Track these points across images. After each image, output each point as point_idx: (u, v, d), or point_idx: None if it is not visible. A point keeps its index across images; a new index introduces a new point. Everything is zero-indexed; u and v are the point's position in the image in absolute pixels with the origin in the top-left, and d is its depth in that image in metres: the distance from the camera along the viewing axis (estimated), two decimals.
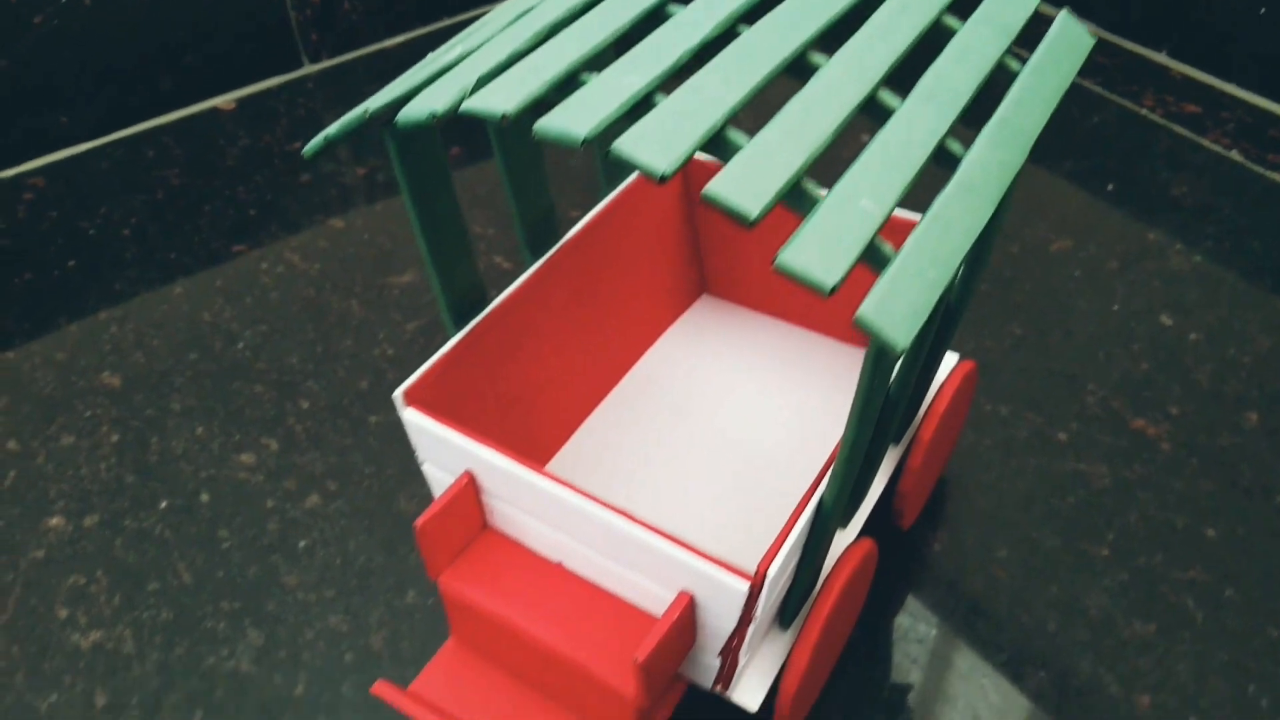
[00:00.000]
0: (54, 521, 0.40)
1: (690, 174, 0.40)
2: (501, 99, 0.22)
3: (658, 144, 0.21)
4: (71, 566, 0.39)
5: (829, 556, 0.32)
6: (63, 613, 0.37)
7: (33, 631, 0.37)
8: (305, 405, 0.44)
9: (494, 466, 0.28)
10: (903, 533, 0.38)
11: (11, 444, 0.43)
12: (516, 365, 0.34)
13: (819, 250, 0.20)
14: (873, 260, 0.21)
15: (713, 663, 0.28)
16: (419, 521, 0.28)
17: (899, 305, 0.20)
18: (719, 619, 0.27)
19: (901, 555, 0.38)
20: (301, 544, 0.39)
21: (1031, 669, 0.34)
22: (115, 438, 0.43)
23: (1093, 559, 0.37)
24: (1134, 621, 0.35)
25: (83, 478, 0.42)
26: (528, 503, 0.29)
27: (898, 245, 0.32)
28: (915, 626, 0.36)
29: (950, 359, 0.37)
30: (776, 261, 0.20)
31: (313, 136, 0.58)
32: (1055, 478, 0.40)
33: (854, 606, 0.33)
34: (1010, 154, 0.23)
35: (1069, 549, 0.38)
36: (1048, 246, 0.50)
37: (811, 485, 0.27)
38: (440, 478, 0.31)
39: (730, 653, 0.28)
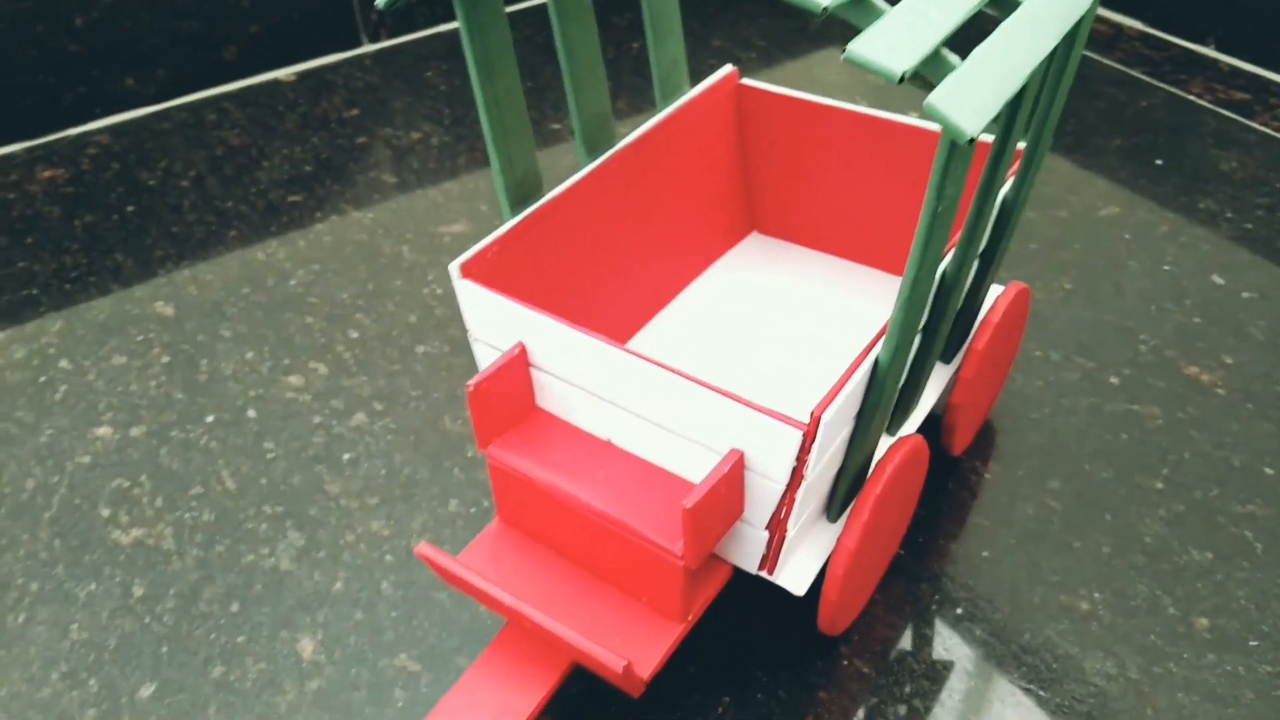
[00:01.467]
0: (101, 431, 0.40)
1: (744, 108, 0.40)
2: None
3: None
4: (116, 472, 0.39)
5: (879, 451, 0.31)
6: (105, 512, 0.37)
7: (75, 527, 0.37)
8: (354, 335, 0.44)
9: (546, 331, 0.28)
10: (954, 460, 0.38)
11: (64, 362, 0.44)
12: (570, 262, 0.34)
13: (888, 42, 0.20)
14: (935, 68, 0.21)
15: (760, 537, 0.28)
16: (471, 384, 0.28)
17: (968, 97, 0.20)
18: (769, 479, 0.26)
19: (953, 482, 0.37)
20: (346, 456, 0.39)
21: (1086, 589, 0.34)
22: (166, 359, 0.43)
23: (1147, 491, 0.37)
24: (1190, 549, 0.35)
25: (132, 393, 0.42)
26: (578, 369, 0.29)
27: None
28: (964, 548, 0.35)
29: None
30: (846, 53, 0.20)
31: (369, 109, 0.60)
32: (1108, 416, 0.39)
33: (904, 508, 0.32)
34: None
35: (1123, 481, 0.37)
36: (1096, 211, 0.49)
37: (871, 341, 0.27)
38: (492, 355, 0.31)
39: (778, 525, 0.27)
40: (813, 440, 0.25)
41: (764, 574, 0.29)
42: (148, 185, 0.54)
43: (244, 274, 0.48)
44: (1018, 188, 0.31)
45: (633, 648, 0.28)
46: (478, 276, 0.30)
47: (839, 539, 0.29)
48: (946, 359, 0.35)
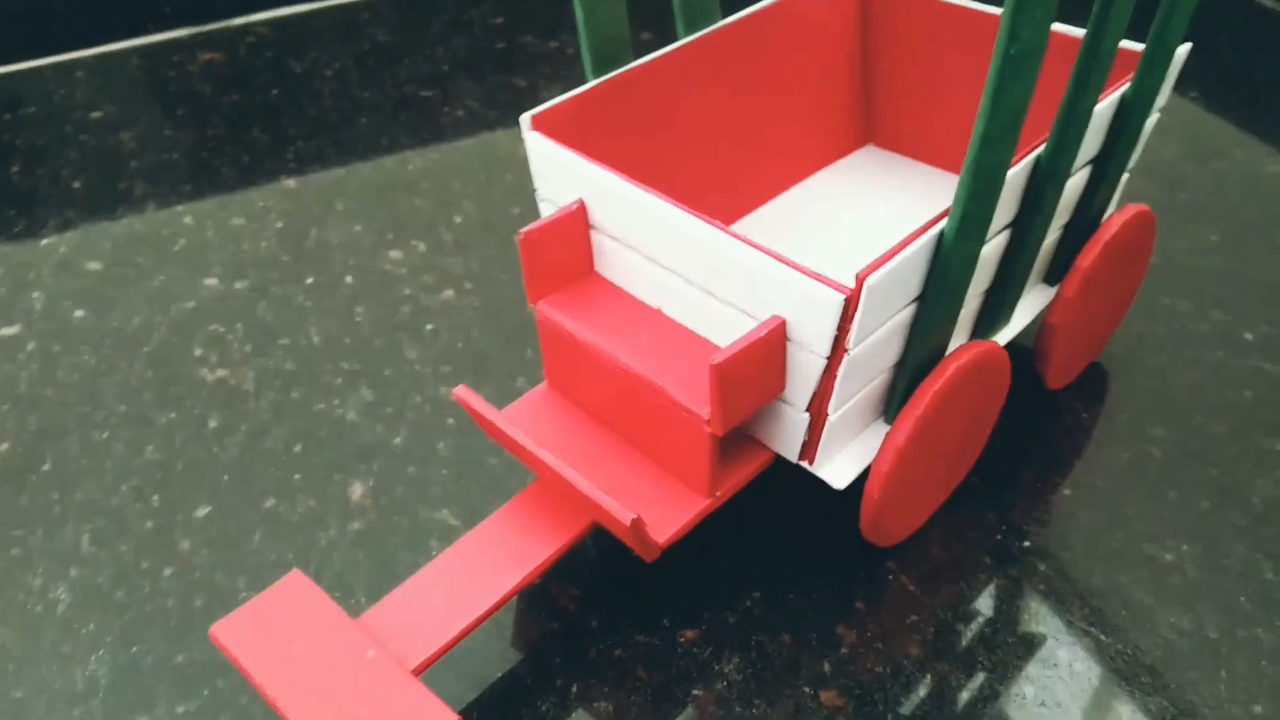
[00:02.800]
0: (209, 281, 0.42)
1: (870, 6, 0.38)
2: None
3: None
4: (215, 318, 0.40)
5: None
6: (198, 352, 0.39)
7: (168, 362, 0.38)
8: (458, 220, 0.45)
9: (603, 185, 0.28)
10: (1049, 395, 0.35)
11: (188, 219, 0.46)
12: (653, 138, 0.33)
13: None
14: None
15: (800, 420, 0.26)
16: (522, 231, 0.28)
17: None
18: (810, 351, 0.25)
19: (1045, 416, 0.34)
20: (429, 327, 0.39)
21: (1174, 541, 0.30)
22: (279, 225, 0.45)
23: (1265, 453, 0.33)
24: None
25: (243, 251, 0.44)
26: (630, 227, 0.28)
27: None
28: (1044, 483, 0.32)
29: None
30: None
31: (514, 17, 0.60)
32: (1233, 372, 0.35)
33: (976, 423, 0.30)
34: None
35: (1238, 438, 0.33)
36: (1262, 168, 0.45)
37: (939, 215, 0.25)
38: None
39: (820, 408, 0.26)
40: (855, 308, 0.23)
41: (805, 464, 0.28)
42: (294, 72, 0.56)
43: (366, 156, 0.49)
44: (1137, 88, 0.28)
45: (654, 514, 0.27)
46: (549, 132, 0.30)
47: (889, 434, 0.27)
48: (1051, 280, 0.33)
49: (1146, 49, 0.28)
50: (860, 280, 0.23)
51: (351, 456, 0.34)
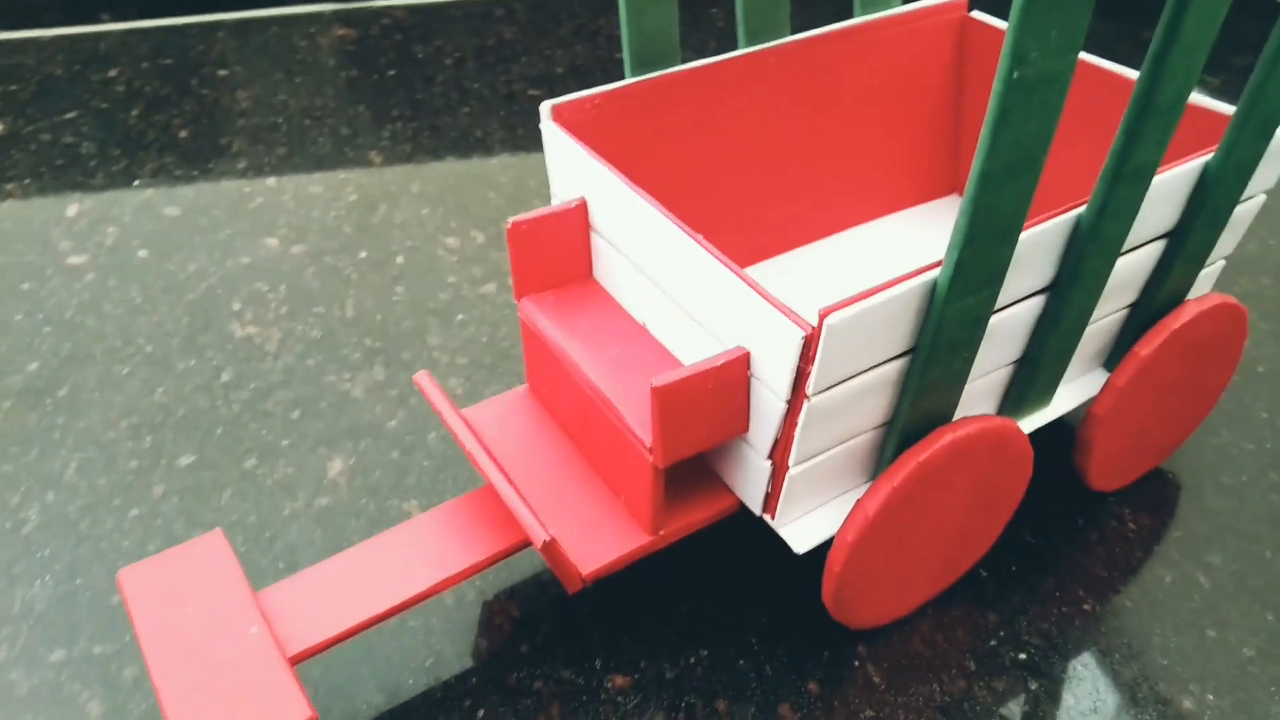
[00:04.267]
0: (270, 241, 0.42)
1: (968, 46, 0.35)
2: None
3: None
4: (263, 277, 0.40)
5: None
6: (236, 306, 0.39)
7: (205, 312, 0.39)
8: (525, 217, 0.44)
9: (603, 183, 0.26)
10: (1096, 496, 0.31)
11: (270, 180, 0.46)
12: (689, 154, 0.31)
13: None
14: None
15: (762, 467, 0.24)
16: (511, 220, 0.26)
17: None
18: (771, 390, 0.22)
19: (1084, 519, 0.30)
20: (459, 317, 0.38)
21: (1199, 686, 0.26)
22: (353, 198, 0.45)
23: None
24: None
25: (311, 219, 0.44)
26: (622, 231, 0.26)
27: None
28: (1064, 591, 0.28)
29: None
30: None
31: None
32: None
33: (982, 508, 0.26)
34: None
35: None
36: None
37: (937, 262, 0.22)
38: None
39: (781, 454, 0.23)
40: (816, 347, 0.21)
41: (767, 519, 0.25)
42: (415, 57, 0.56)
43: (456, 145, 0.49)
44: (1225, 159, 0.24)
45: (587, 542, 0.25)
46: (570, 126, 0.28)
47: (859, 500, 0.24)
48: (1109, 365, 0.29)
49: (1237, 114, 0.24)
50: (823, 317, 0.20)
51: (342, 432, 0.34)
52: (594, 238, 0.28)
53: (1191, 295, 0.28)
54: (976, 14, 0.35)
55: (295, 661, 0.23)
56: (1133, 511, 0.30)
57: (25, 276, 0.41)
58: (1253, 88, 0.23)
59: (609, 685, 0.26)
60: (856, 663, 0.27)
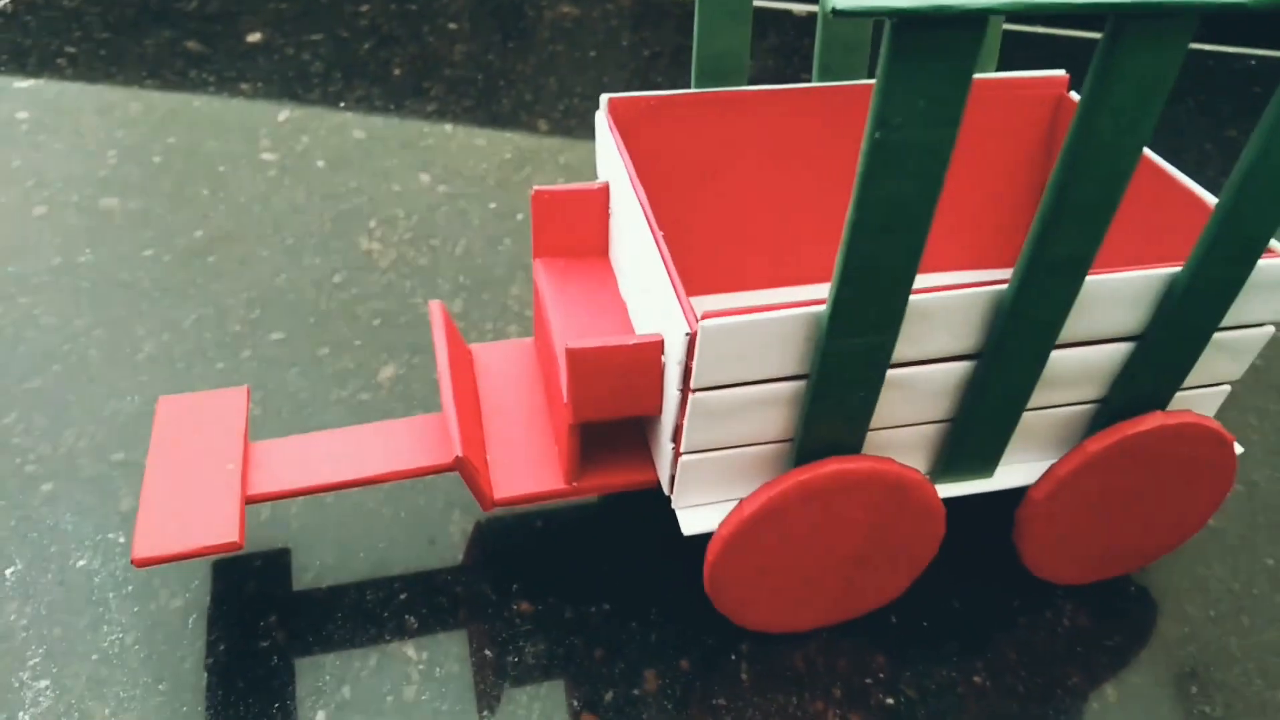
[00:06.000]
0: (424, 176, 0.48)
1: (1064, 126, 0.35)
2: None
3: None
4: (403, 204, 0.46)
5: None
6: (371, 224, 0.45)
7: (345, 221, 0.45)
8: None
9: (618, 171, 0.29)
10: (1041, 584, 0.31)
11: (448, 126, 0.52)
12: (739, 165, 0.34)
13: None
14: None
15: (667, 448, 0.26)
16: (535, 188, 0.30)
17: None
18: (671, 378, 0.25)
19: (1016, 597, 0.30)
20: None
21: None
22: (507, 155, 0.50)
23: None
24: None
25: (465, 166, 0.49)
26: (617, 216, 0.29)
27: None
28: (960, 659, 0.29)
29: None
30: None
31: None
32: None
33: (881, 549, 0.27)
34: None
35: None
36: None
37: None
38: None
39: (677, 439, 0.25)
40: (693, 346, 0.23)
41: (671, 498, 0.27)
42: (620, 43, 0.61)
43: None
44: (1196, 275, 0.24)
45: (513, 474, 0.28)
46: (621, 120, 0.31)
47: (740, 500, 0.26)
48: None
49: (1207, 231, 0.24)
50: (697, 323, 0.23)
51: (405, 345, 0.38)
52: (612, 220, 0.31)
53: (1182, 408, 0.28)
54: (1075, 95, 0.35)
55: (250, 501, 0.28)
56: (1074, 609, 0.30)
57: (223, 160, 0.48)
58: (1226, 207, 0.23)
59: (515, 608, 0.30)
60: (733, 657, 0.29)
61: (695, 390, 0.24)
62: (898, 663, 0.29)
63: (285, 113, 0.52)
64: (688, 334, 0.23)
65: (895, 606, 0.30)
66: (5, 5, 0.63)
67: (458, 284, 0.42)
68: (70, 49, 0.58)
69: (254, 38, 0.59)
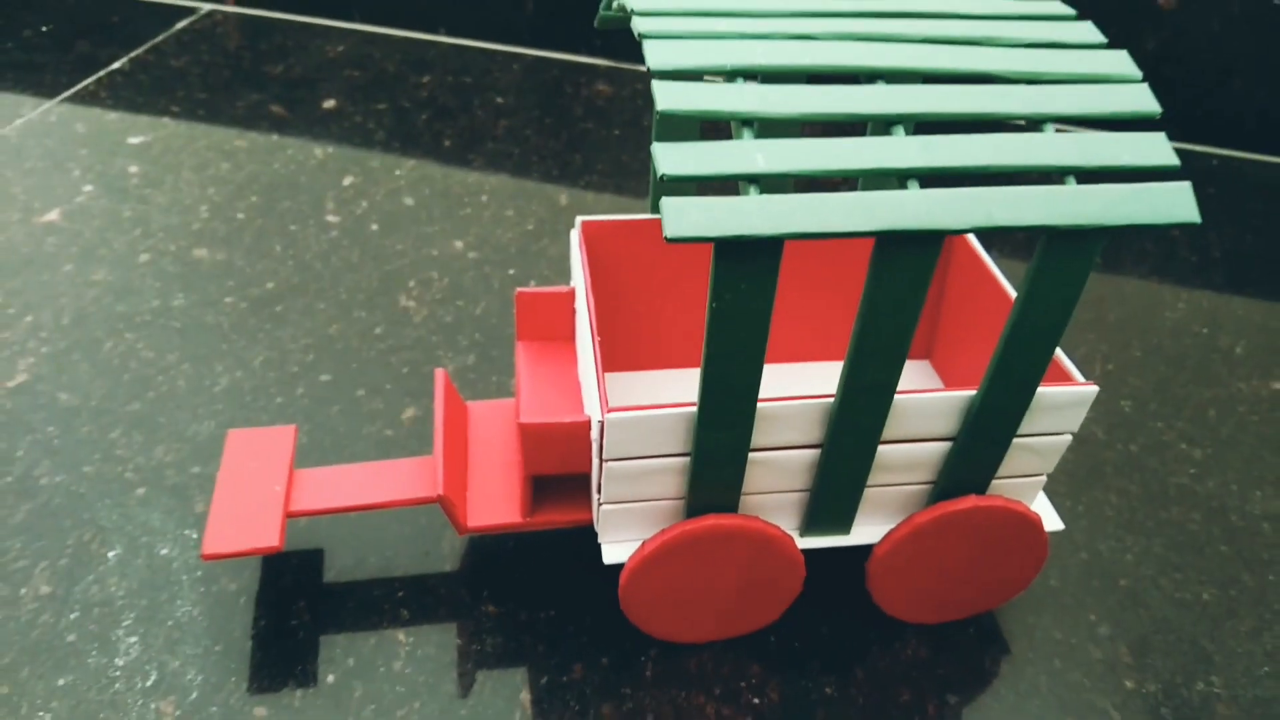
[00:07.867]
0: (458, 243, 0.58)
1: (952, 254, 0.43)
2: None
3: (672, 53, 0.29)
4: (438, 267, 0.56)
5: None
6: (410, 284, 0.54)
7: (390, 281, 0.54)
8: None
9: (578, 275, 0.38)
10: (893, 620, 0.39)
11: (484, 197, 0.62)
12: (672, 277, 0.42)
13: (692, 157, 0.27)
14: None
15: (596, 497, 0.35)
16: (519, 290, 0.39)
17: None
18: (595, 449, 0.34)
19: (874, 630, 0.39)
20: None
21: None
22: (530, 226, 0.59)
23: None
24: None
25: (494, 234, 0.59)
26: (579, 313, 0.38)
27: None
28: (819, 674, 0.37)
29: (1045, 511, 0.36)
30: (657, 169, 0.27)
31: None
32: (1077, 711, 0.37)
33: (754, 583, 0.36)
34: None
35: None
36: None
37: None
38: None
39: (600, 491, 0.34)
40: (601, 433, 0.32)
41: (599, 534, 0.36)
42: (642, 123, 0.70)
43: (626, 207, 0.62)
44: (984, 399, 0.32)
45: (484, 507, 0.38)
46: (591, 238, 0.41)
47: (644, 542, 0.35)
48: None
49: (988, 373, 0.32)
50: (605, 413, 0.32)
51: (425, 392, 0.48)
52: (576, 315, 0.40)
53: (1001, 494, 0.36)
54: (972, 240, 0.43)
55: (290, 515, 0.37)
56: (918, 642, 0.39)
57: (295, 220, 0.58)
58: (998, 355, 0.32)
59: (483, 609, 0.39)
60: (643, 658, 0.37)
61: (607, 460, 0.33)
62: (768, 672, 0.37)
63: (349, 178, 0.62)
64: (599, 421, 0.32)
65: (775, 629, 0.39)
66: (123, 64, 0.74)
67: (474, 340, 0.51)
68: (175, 108, 0.69)
69: (329, 104, 0.70)
